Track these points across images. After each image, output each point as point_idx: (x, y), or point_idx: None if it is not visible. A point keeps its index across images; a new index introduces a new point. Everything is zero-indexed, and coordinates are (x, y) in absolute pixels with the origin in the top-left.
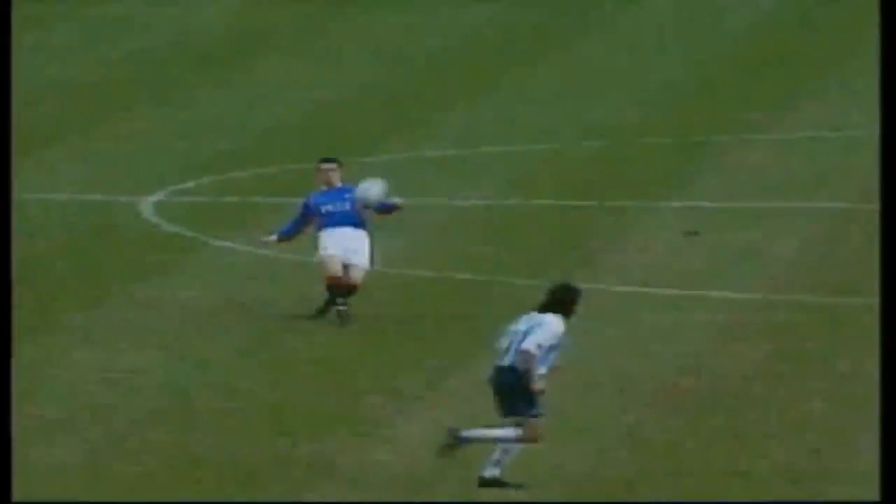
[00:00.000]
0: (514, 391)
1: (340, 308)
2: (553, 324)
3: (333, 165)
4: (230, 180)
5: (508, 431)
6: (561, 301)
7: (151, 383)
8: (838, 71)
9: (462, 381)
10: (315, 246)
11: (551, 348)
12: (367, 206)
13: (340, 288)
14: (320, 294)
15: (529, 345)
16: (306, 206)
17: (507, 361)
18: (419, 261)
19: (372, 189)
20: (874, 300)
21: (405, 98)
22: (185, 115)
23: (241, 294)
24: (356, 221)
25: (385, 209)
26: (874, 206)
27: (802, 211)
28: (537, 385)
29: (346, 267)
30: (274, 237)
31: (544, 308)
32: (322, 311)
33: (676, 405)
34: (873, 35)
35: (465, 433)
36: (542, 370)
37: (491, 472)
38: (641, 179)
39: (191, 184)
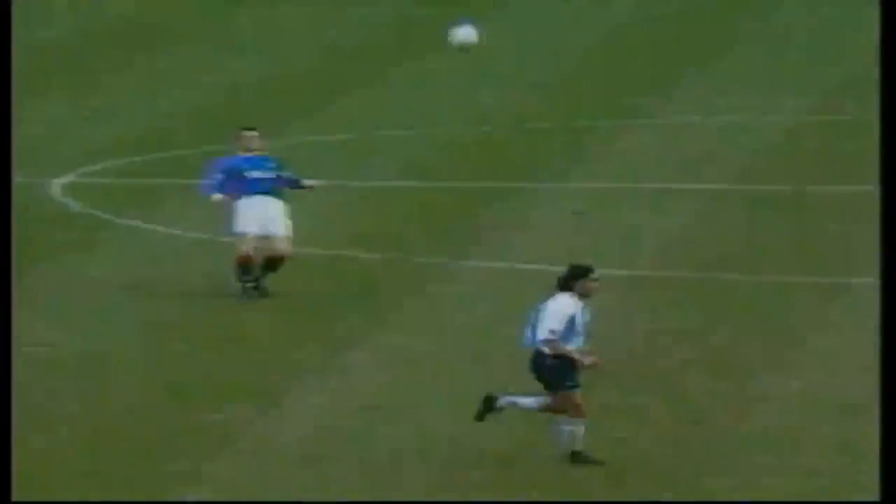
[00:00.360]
0: (543, 370)
1: (248, 285)
2: (558, 305)
3: (255, 133)
4: (138, 163)
5: (540, 400)
6: (568, 279)
7: (63, 358)
8: (715, 58)
9: (361, 356)
10: (231, 218)
11: (570, 323)
12: (462, 48)
13: (251, 266)
14: (221, 271)
15: (544, 334)
16: (230, 166)
17: (532, 343)
18: (322, 240)
19: (460, 31)
20: (751, 277)
21: (306, 85)
22: (94, 100)
23: (149, 272)
24: (276, 191)
25: (295, 184)
26: (750, 187)
27: (683, 192)
28: (583, 361)
29: (268, 238)
30: (220, 196)
31: (559, 288)
32: (256, 288)
33: None
34: (747, 24)
35: (503, 400)
36: (576, 344)
37: (575, 447)
38: (531, 162)
39: (99, 166)
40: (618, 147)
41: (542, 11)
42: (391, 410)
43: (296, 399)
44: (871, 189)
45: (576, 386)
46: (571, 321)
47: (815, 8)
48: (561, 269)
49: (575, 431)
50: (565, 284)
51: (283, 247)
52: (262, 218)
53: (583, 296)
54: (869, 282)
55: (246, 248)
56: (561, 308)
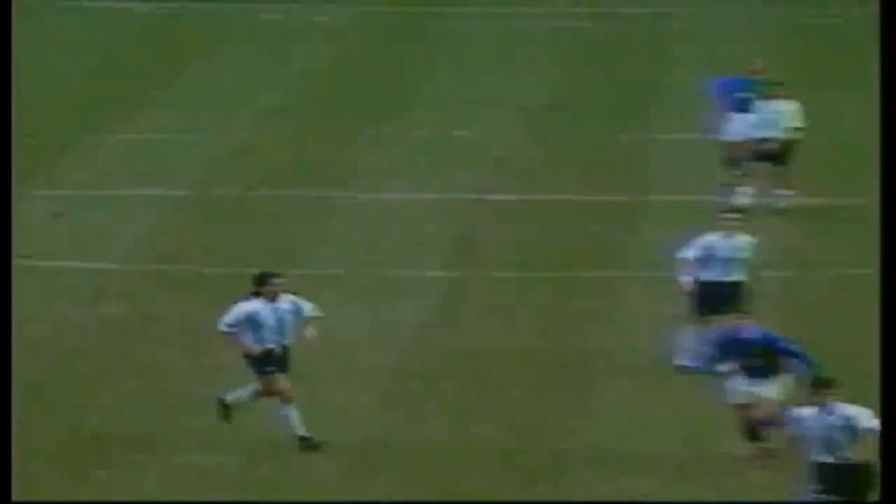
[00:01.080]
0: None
1: None
2: (237, 305)
3: None
4: None
5: (252, 388)
6: (254, 286)
7: None
8: (180, 81)
9: None
10: None
11: (251, 320)
12: None
13: None
14: None
15: (219, 326)
16: None
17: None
18: None
19: None
20: (205, 268)
21: None
22: None
23: None
24: None
25: None
26: (214, 192)
27: (149, 198)
28: (252, 350)
29: None
30: None
31: (252, 294)
32: None
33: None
34: (217, 52)
35: (229, 397)
36: (270, 337)
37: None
38: (17, 171)
39: None
40: (94, 158)
41: (49, 39)
42: None
43: None
44: (324, 195)
45: (271, 373)
46: (251, 318)
47: (255, 41)
48: (45, 264)
49: (288, 416)
50: (254, 291)
51: None
52: None
53: (269, 297)
54: (310, 272)
55: None
56: (237, 307)
